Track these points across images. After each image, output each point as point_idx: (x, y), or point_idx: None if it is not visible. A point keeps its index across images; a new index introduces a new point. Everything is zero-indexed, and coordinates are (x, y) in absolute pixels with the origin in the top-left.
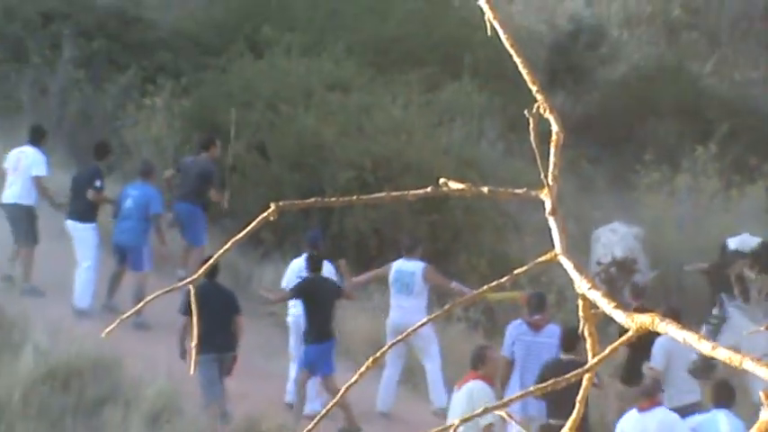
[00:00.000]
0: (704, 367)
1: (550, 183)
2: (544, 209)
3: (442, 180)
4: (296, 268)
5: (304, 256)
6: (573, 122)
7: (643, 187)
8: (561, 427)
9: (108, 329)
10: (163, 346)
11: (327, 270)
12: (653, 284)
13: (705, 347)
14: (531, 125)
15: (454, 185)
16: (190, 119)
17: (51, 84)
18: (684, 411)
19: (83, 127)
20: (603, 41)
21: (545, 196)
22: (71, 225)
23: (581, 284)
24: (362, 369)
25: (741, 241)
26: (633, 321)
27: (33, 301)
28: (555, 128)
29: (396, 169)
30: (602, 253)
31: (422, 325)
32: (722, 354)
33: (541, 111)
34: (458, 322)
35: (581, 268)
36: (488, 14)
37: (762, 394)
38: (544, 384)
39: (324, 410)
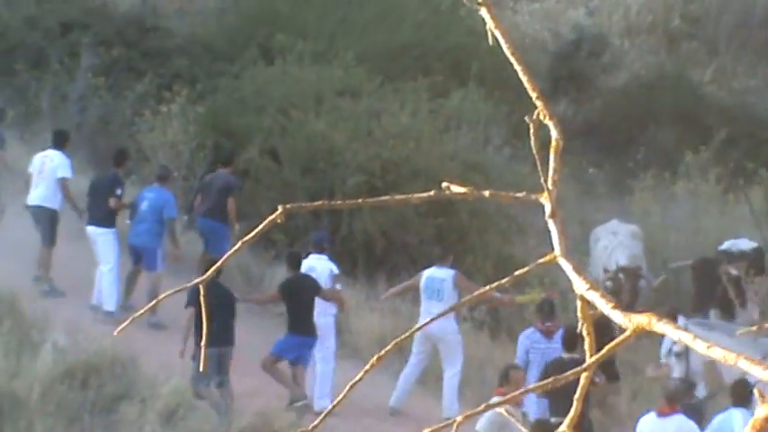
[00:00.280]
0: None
1: (550, 187)
2: (545, 212)
3: (444, 184)
4: (303, 269)
5: (310, 256)
6: (575, 129)
7: (639, 192)
8: (556, 424)
9: (121, 327)
10: (178, 345)
11: (326, 267)
12: (658, 288)
13: (700, 347)
14: (532, 131)
15: (456, 189)
16: (204, 124)
17: (71, 91)
18: None
19: (102, 133)
20: (605, 50)
21: (545, 200)
22: (92, 231)
23: (580, 285)
24: (367, 366)
25: (733, 243)
26: (630, 321)
27: (52, 300)
28: (554, 134)
29: (404, 174)
30: (602, 255)
31: (419, 328)
32: (717, 353)
33: (541, 117)
34: (463, 322)
35: (580, 270)
36: (489, 24)
37: (756, 391)
38: (544, 382)
39: (330, 406)
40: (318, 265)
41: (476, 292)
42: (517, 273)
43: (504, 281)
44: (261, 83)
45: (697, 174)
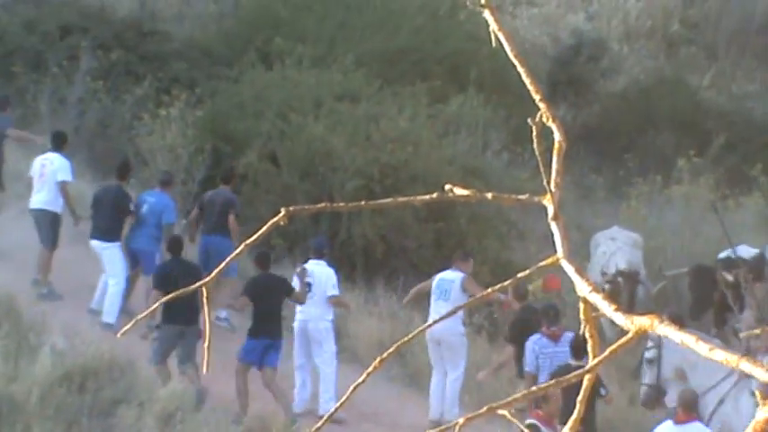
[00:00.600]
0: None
1: (553, 189)
2: (547, 216)
3: (447, 186)
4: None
5: (309, 262)
6: (574, 134)
7: (635, 197)
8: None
9: (123, 330)
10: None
11: (327, 273)
12: (657, 295)
13: (702, 349)
14: (534, 133)
15: (459, 191)
16: (203, 128)
17: (69, 94)
18: None
19: (100, 136)
20: (604, 55)
21: (547, 202)
22: (96, 245)
23: (582, 288)
24: (369, 369)
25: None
26: (633, 324)
27: (50, 304)
28: (557, 136)
29: (402, 178)
30: (601, 260)
31: (423, 330)
32: (719, 356)
33: (544, 119)
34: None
35: (582, 272)
36: (493, 26)
37: (758, 393)
38: (546, 384)
39: (332, 409)
40: (318, 271)
41: (478, 295)
42: (519, 275)
43: (506, 283)
44: (260, 87)
45: (693, 179)
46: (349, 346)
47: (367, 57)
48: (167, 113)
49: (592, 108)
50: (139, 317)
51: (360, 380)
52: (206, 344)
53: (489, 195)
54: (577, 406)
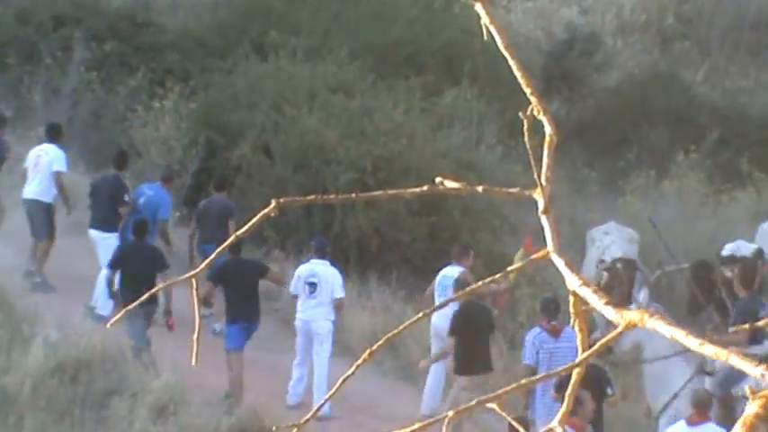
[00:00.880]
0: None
1: (543, 183)
2: (538, 209)
3: (438, 179)
4: (302, 274)
5: (311, 261)
6: (568, 128)
7: (629, 191)
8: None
9: (113, 320)
10: (169, 340)
11: (332, 274)
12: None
13: (693, 343)
14: (525, 126)
15: (450, 184)
16: (197, 120)
17: (63, 85)
18: None
19: (94, 127)
20: (598, 49)
21: (538, 196)
22: (94, 234)
23: (572, 281)
24: (359, 361)
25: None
26: (622, 317)
27: (43, 295)
28: (548, 130)
29: (396, 172)
30: (596, 254)
31: (406, 326)
32: (709, 350)
33: (535, 113)
34: None
35: (572, 266)
36: (485, 19)
37: (747, 389)
38: (536, 378)
39: (322, 401)
40: (322, 271)
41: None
42: (510, 268)
43: (496, 276)
44: (254, 79)
45: (688, 174)
46: (342, 339)
47: (361, 49)
48: (161, 105)
49: (586, 102)
50: (130, 307)
51: (349, 372)
52: (195, 335)
53: (480, 188)
54: (566, 399)
